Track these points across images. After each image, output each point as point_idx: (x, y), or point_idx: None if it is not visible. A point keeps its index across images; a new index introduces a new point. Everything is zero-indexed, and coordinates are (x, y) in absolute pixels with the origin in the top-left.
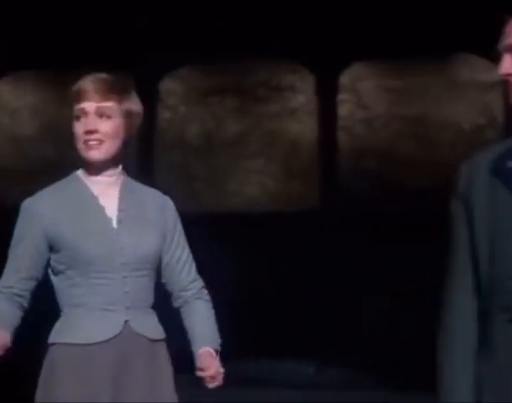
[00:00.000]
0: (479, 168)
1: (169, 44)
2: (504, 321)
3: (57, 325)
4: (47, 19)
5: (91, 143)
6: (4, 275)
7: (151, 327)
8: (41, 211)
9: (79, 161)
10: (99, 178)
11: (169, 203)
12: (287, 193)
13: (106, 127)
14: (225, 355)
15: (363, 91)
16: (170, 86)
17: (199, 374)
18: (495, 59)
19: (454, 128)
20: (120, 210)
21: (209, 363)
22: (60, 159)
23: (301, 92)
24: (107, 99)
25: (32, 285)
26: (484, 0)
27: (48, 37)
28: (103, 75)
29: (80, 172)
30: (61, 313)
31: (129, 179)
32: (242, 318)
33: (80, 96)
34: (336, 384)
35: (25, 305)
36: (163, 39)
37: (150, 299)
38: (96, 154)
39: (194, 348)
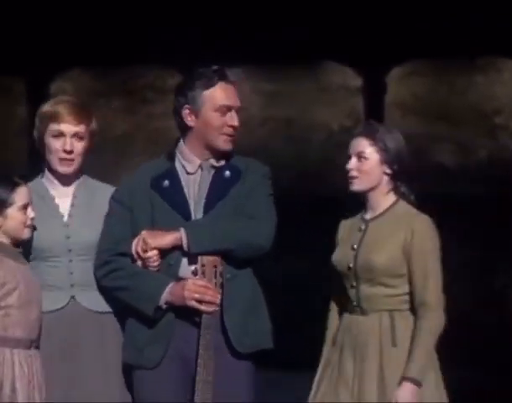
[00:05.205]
0: (141, 181)
1: (60, 45)
2: None
3: None
4: None
5: (66, 161)
6: None
7: (97, 302)
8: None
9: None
10: (59, 181)
11: None
12: None
13: (79, 148)
14: None
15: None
16: (61, 87)
17: None
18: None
19: (324, 129)
20: (72, 206)
21: None
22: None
23: None
24: (80, 123)
25: None
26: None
27: None
28: (74, 100)
29: (43, 177)
30: None
31: (86, 177)
32: None
33: (57, 118)
34: None
35: None
36: (54, 39)
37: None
38: (68, 169)
39: None
